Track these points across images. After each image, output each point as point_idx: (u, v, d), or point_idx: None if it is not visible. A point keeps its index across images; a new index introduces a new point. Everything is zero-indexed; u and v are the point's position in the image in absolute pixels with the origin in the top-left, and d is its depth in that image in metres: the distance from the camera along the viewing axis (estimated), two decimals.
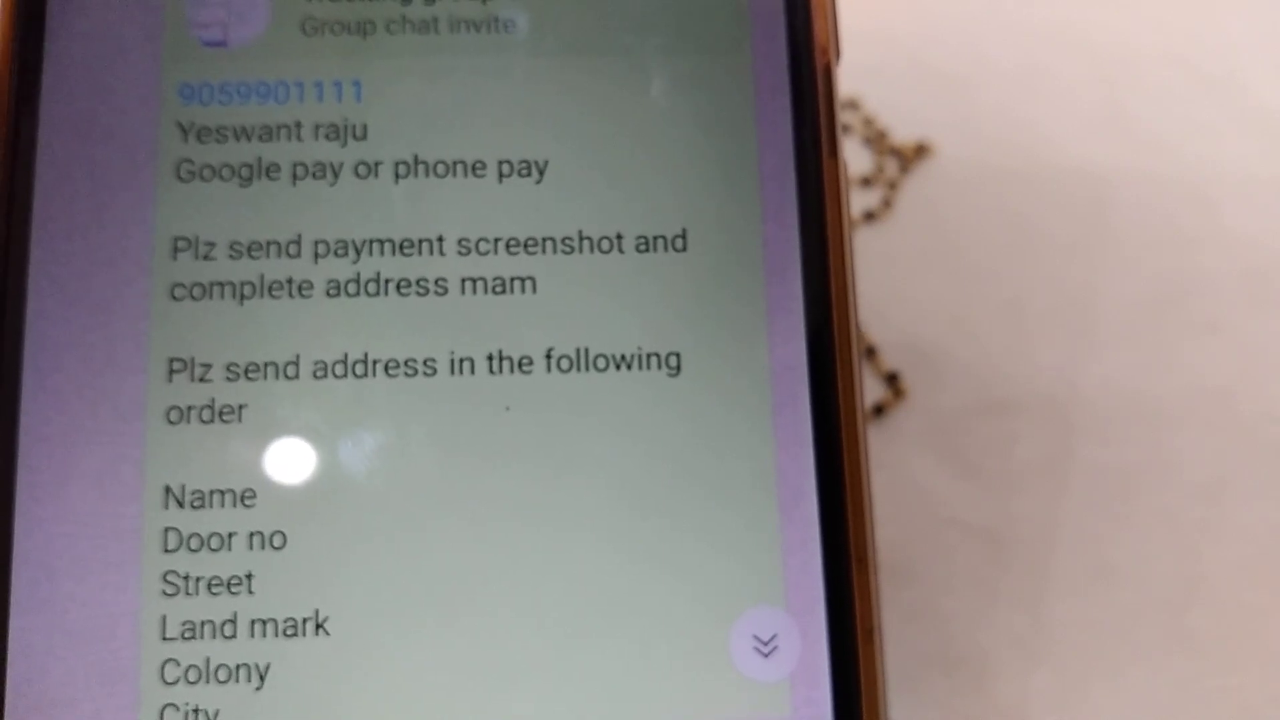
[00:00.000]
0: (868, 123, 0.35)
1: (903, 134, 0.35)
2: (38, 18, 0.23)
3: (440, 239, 0.23)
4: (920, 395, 0.32)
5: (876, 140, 0.35)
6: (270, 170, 0.23)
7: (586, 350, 0.22)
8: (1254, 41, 0.37)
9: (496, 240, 0.23)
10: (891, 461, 0.32)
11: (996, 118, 0.36)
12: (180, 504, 0.22)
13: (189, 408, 0.22)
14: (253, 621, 0.21)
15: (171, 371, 0.22)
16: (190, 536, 0.21)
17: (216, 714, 0.21)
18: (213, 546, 0.21)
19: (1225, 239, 0.34)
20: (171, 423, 0.22)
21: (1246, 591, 0.31)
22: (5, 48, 0.22)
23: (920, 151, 0.35)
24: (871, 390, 0.32)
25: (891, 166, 0.35)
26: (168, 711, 0.21)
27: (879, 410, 0.32)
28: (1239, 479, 0.32)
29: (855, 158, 0.35)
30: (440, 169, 0.23)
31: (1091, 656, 0.30)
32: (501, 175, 0.23)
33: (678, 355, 0.22)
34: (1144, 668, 0.30)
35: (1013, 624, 0.30)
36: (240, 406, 0.22)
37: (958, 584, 0.30)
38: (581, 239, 0.23)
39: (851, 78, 0.35)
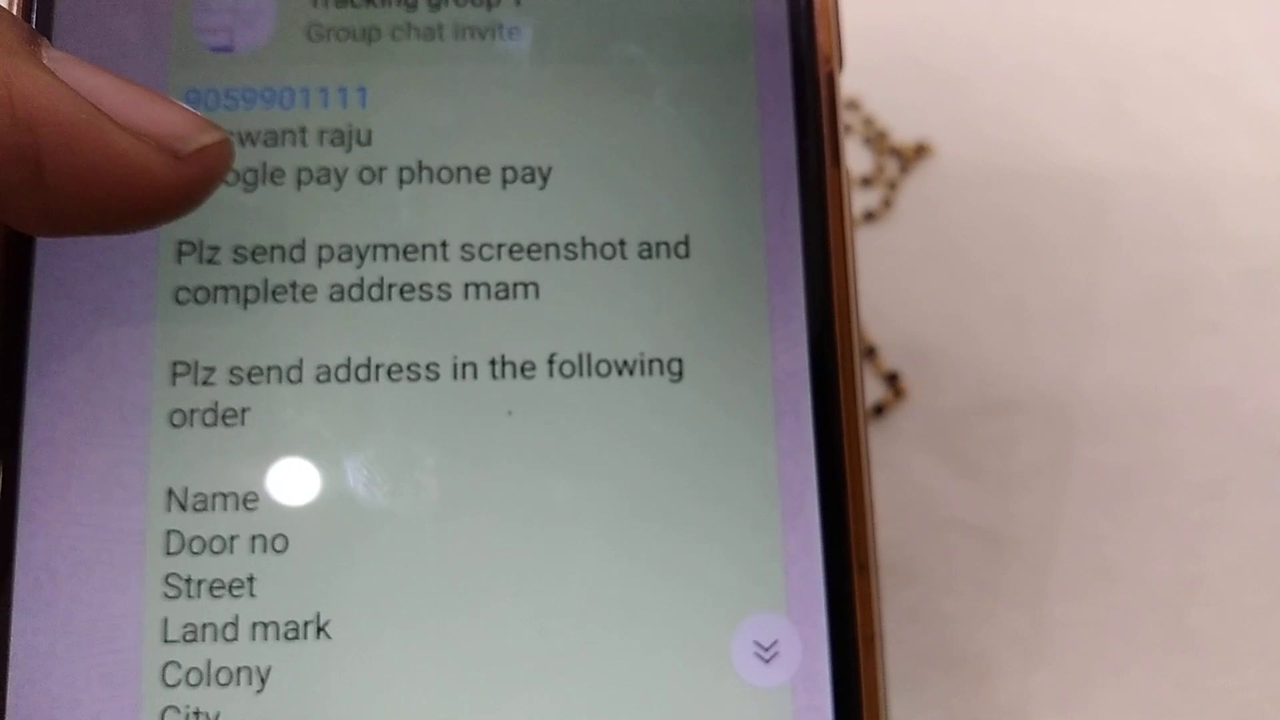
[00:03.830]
0: (868, 123, 0.35)
1: (903, 134, 0.35)
2: (45, 23, 0.23)
3: (444, 244, 0.23)
4: (920, 395, 0.32)
5: (876, 140, 0.35)
6: (275, 175, 0.23)
7: (589, 356, 0.22)
8: (1254, 41, 0.37)
9: (500, 246, 0.23)
10: (891, 461, 0.32)
11: (996, 118, 0.36)
12: (183, 507, 0.22)
13: (192, 411, 0.22)
14: (254, 624, 0.21)
15: (175, 375, 0.22)
16: (192, 539, 0.22)
17: (217, 716, 0.21)
18: (214, 549, 0.21)
19: (1225, 239, 0.34)
20: (175, 426, 0.22)
21: (1246, 591, 0.31)
22: None
23: (920, 151, 0.35)
24: (871, 390, 0.32)
25: (891, 166, 0.35)
26: (169, 714, 0.21)
27: (879, 410, 0.32)
28: (1239, 479, 0.32)
29: (855, 158, 0.35)
30: (444, 175, 0.23)
31: (1091, 656, 0.30)
32: (505, 181, 0.23)
33: (680, 361, 0.22)
34: (1144, 668, 0.30)
35: (1013, 624, 0.30)
36: (243, 410, 0.22)
37: (958, 584, 0.30)
38: (585, 245, 0.23)
39: (852, 77, 0.35)
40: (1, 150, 0.17)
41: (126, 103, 0.19)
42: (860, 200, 0.34)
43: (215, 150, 0.19)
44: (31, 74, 0.18)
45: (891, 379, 0.32)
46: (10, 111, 0.17)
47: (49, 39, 0.22)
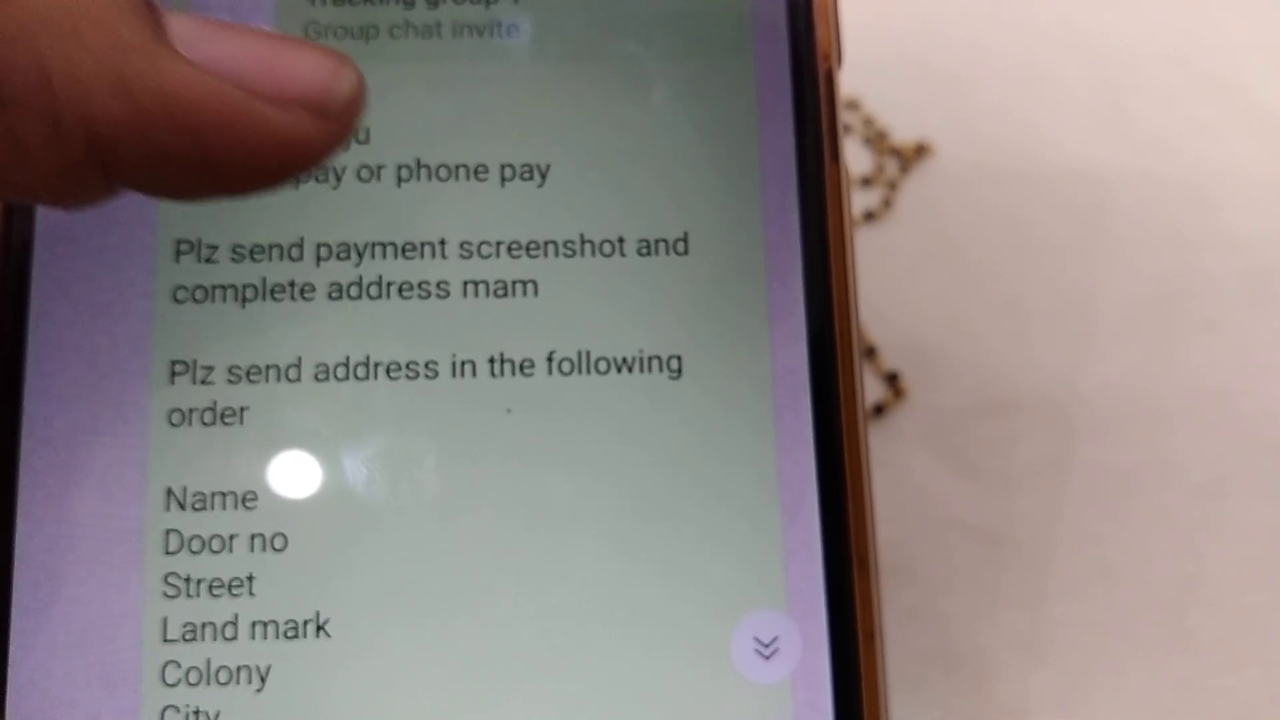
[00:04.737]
0: (868, 123, 0.35)
1: (903, 134, 0.35)
2: None
3: (442, 242, 0.23)
4: (920, 395, 0.32)
5: (876, 140, 0.35)
6: None
7: (588, 353, 0.22)
8: (1254, 41, 0.37)
9: (498, 243, 0.23)
10: (891, 461, 0.32)
11: (996, 118, 0.36)
12: (182, 506, 0.22)
13: (191, 410, 0.22)
14: (253, 623, 0.21)
15: (174, 374, 0.22)
16: (191, 538, 0.21)
17: (217, 715, 0.21)
18: (214, 548, 0.21)
19: (1225, 239, 0.34)
20: (173, 425, 0.22)
21: (1246, 591, 0.31)
22: None
23: (920, 151, 0.35)
24: (871, 390, 0.32)
25: (891, 166, 0.35)
26: (169, 713, 0.21)
27: (879, 410, 0.32)
28: (1239, 479, 0.32)
29: (855, 158, 0.35)
30: (442, 172, 0.23)
31: (1091, 656, 0.30)
32: (504, 179, 0.23)
33: (679, 358, 0.22)
34: (1144, 668, 0.30)
35: (1013, 624, 0.30)
36: (242, 409, 0.22)
37: (958, 584, 0.30)
38: (583, 242, 0.23)
39: (852, 77, 0.34)
40: (172, 156, 0.17)
41: (266, 70, 0.18)
42: (860, 200, 0.34)
43: (359, 97, 0.19)
44: (176, 71, 0.17)
45: (891, 379, 0.32)
46: (170, 118, 0.17)
47: None
